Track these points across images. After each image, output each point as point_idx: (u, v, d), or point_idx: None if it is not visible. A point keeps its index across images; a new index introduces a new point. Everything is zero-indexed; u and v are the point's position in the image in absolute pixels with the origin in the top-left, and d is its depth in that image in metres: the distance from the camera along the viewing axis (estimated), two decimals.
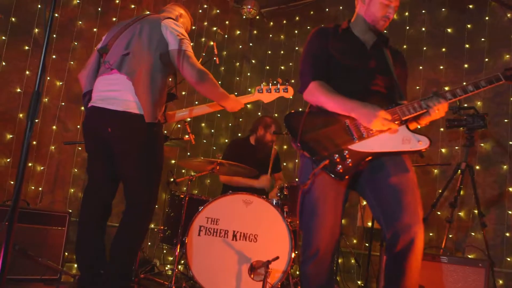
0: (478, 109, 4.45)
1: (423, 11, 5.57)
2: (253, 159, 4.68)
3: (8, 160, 4.69)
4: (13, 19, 4.75)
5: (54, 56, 5.05)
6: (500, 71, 2.44)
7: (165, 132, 3.62)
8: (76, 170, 5.15)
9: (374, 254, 4.51)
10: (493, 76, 2.42)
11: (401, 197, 2.37)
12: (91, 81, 3.15)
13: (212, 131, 6.55)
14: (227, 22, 6.78)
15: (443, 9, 5.45)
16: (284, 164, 6.14)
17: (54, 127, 5.03)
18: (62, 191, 5.08)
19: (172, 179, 4.54)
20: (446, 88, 5.08)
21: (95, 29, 5.34)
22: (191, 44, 3.13)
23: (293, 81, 5.95)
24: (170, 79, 3.34)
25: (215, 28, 6.59)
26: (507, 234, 4.57)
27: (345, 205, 2.58)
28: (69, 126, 5.15)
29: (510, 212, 4.60)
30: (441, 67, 5.32)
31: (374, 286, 4.61)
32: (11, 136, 4.71)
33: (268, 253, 3.55)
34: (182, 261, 4.84)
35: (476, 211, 4.25)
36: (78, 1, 5.24)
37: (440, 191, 4.39)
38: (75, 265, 4.17)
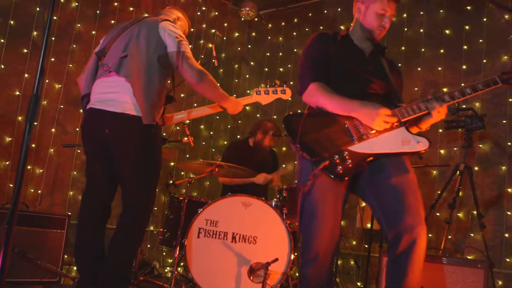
0: (476, 110, 4.46)
1: (421, 13, 5.58)
2: (251, 162, 4.69)
3: (7, 163, 4.69)
4: (12, 22, 4.76)
5: (52, 59, 5.06)
6: (498, 72, 2.46)
7: (164, 134, 3.62)
8: (75, 172, 5.15)
9: (373, 255, 4.51)
10: (490, 79, 2.44)
11: (403, 197, 2.38)
12: (90, 84, 3.15)
13: (211, 133, 6.55)
14: (225, 24, 6.79)
15: (441, 11, 5.46)
16: (283, 165, 6.15)
17: (53, 129, 5.04)
18: (61, 194, 5.08)
19: (171, 181, 4.54)
20: (445, 89, 5.11)
21: (93, 32, 5.34)
22: (190, 46, 3.13)
23: (291, 83, 5.98)
24: (169, 81, 3.34)
25: (213, 31, 6.60)
26: (506, 235, 4.57)
27: (344, 207, 2.59)
28: (68, 129, 5.16)
29: (509, 213, 4.60)
30: (439, 69, 5.33)
31: (373, 287, 4.61)
32: (10, 139, 4.72)
33: (267, 255, 3.55)
34: (182, 263, 4.84)
35: (475, 212, 4.25)
36: (76, 3, 5.25)
37: (439, 192, 4.40)
38: (75, 268, 4.17)
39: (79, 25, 5.26)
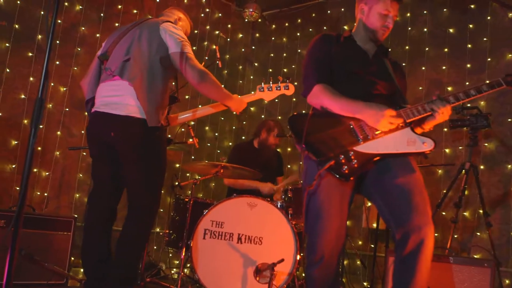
0: (481, 108, 4.45)
1: (425, 12, 5.57)
2: (256, 163, 4.69)
3: (14, 166, 4.72)
4: (17, 26, 4.78)
5: (57, 62, 5.08)
6: (502, 71, 2.48)
7: (169, 136, 3.63)
8: (81, 175, 5.17)
9: (379, 255, 4.50)
10: (495, 81, 2.47)
11: (410, 197, 2.37)
12: (93, 88, 3.16)
13: (216, 134, 6.56)
14: (229, 26, 6.80)
15: (444, 10, 5.45)
16: (289, 166, 6.15)
17: (58, 132, 5.06)
18: (68, 196, 5.10)
19: (176, 183, 4.55)
20: (449, 89, 5.10)
21: (98, 35, 5.36)
22: (193, 48, 3.13)
23: (296, 83, 5.97)
24: (173, 83, 3.35)
25: (217, 32, 6.61)
26: None
27: (350, 207, 2.59)
28: (74, 132, 5.18)
29: None
30: (444, 68, 5.31)
31: (379, 287, 4.61)
32: (16, 142, 4.74)
33: (273, 255, 3.55)
34: (188, 265, 4.85)
35: (481, 211, 4.24)
36: (80, 7, 5.27)
37: (444, 191, 4.39)
38: (82, 270, 4.18)
39: (83, 28, 5.28)
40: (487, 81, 2.48)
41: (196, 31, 6.16)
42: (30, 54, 4.88)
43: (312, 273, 2.52)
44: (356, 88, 2.57)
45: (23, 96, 4.81)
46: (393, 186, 2.43)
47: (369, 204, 4.98)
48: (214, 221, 3.79)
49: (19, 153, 4.72)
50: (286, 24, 6.82)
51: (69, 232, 3.91)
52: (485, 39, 5.08)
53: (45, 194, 4.92)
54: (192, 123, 6.08)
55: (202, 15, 6.44)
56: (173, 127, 3.60)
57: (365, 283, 5.17)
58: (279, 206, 3.86)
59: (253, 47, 7.11)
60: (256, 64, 7.02)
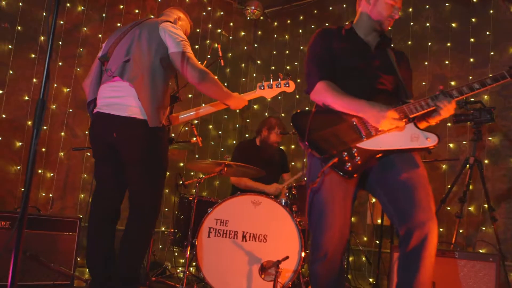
0: (485, 103, 4.43)
1: (427, 6, 5.55)
2: (259, 160, 4.69)
3: (18, 167, 4.73)
4: (19, 27, 4.80)
5: (60, 63, 5.09)
6: (506, 65, 2.45)
7: (173, 135, 3.63)
8: (85, 175, 5.18)
9: (384, 251, 4.50)
10: (499, 74, 2.44)
11: (413, 193, 2.36)
12: (95, 89, 3.17)
13: (220, 132, 6.56)
14: (231, 24, 6.79)
15: (447, 4, 5.43)
16: (292, 163, 6.15)
17: (62, 133, 5.07)
18: (72, 197, 5.11)
19: (181, 182, 4.56)
20: (453, 83, 5.08)
21: (100, 35, 5.37)
22: (195, 46, 3.13)
23: (298, 80, 5.98)
24: (175, 83, 3.36)
25: (219, 30, 6.61)
26: None
27: (354, 204, 2.58)
28: (77, 132, 5.19)
29: None
30: (447, 62, 5.30)
31: (385, 283, 4.60)
32: (20, 143, 4.76)
33: (278, 253, 3.56)
34: (193, 263, 4.86)
35: (486, 206, 4.23)
36: (82, 7, 5.28)
37: (449, 186, 4.38)
38: (87, 270, 4.19)
39: (85, 28, 5.29)
40: (491, 75, 2.46)
41: (198, 30, 6.16)
42: (33, 55, 4.89)
43: (316, 269, 2.52)
44: (360, 83, 2.56)
45: (26, 98, 4.82)
46: (396, 182, 2.42)
47: (374, 200, 4.98)
48: (219, 220, 3.79)
49: (23, 154, 4.74)
50: (288, 21, 6.81)
51: (74, 232, 3.93)
52: (488, 33, 5.06)
53: (50, 195, 4.94)
54: (196, 122, 6.08)
55: (204, 13, 6.44)
56: (176, 126, 3.60)
57: (370, 280, 5.17)
58: (283, 203, 3.86)
59: (255, 45, 7.10)
60: (258, 62, 7.02)
